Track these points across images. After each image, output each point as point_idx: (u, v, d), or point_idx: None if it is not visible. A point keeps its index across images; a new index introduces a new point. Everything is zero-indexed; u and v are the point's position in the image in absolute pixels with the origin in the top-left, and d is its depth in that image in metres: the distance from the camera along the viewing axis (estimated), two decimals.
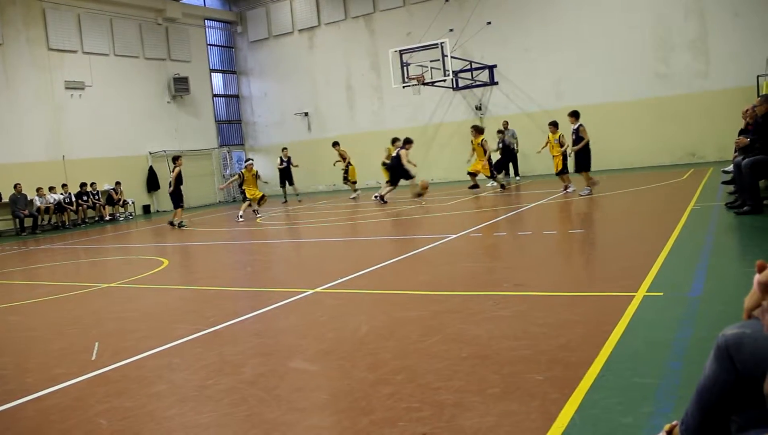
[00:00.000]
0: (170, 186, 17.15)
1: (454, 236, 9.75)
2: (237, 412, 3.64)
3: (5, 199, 21.00)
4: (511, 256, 8.36)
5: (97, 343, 5.35)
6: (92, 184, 23.32)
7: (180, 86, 27.76)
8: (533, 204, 13.51)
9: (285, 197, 23.59)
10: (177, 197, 16.71)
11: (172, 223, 16.87)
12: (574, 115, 14.57)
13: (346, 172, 22.34)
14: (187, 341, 5.23)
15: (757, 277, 1.99)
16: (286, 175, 23.07)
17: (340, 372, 4.18)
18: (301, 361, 4.51)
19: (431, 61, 21.37)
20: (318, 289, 6.79)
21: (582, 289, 6.00)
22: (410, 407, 3.43)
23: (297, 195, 23.25)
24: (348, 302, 6.32)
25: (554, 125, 15.94)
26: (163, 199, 25.35)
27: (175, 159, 17.17)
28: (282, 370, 4.32)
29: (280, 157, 23.44)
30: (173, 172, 16.87)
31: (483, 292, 6.14)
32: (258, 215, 17.57)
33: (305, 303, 6.33)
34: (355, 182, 22.40)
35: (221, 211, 23.02)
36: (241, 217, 17.03)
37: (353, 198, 21.08)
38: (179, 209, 16.81)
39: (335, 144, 22.58)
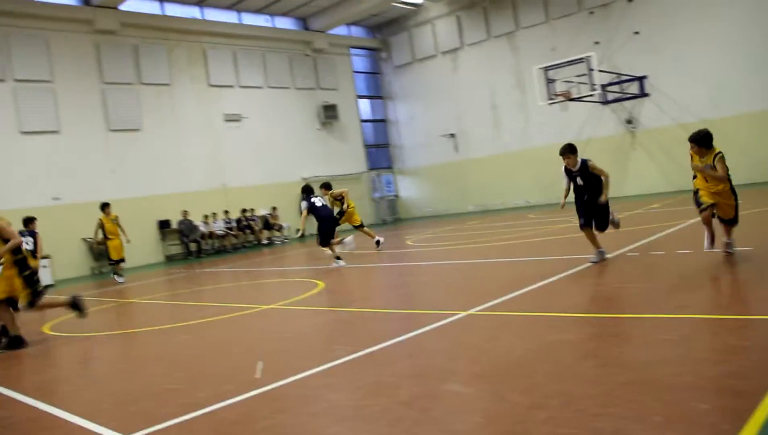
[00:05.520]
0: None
1: (609, 256, 9.42)
2: (393, 432, 3.71)
3: (174, 226, 22.78)
4: (671, 277, 7.95)
5: (260, 362, 5.65)
6: (251, 209, 24.83)
7: (329, 113, 28.89)
8: (690, 221, 12.80)
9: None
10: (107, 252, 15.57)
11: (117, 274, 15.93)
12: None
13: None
14: (344, 362, 5.40)
15: None
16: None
17: (494, 395, 4.17)
18: (455, 383, 4.54)
19: (577, 76, 20.89)
20: (470, 311, 6.79)
21: (751, 311, 5.60)
22: (568, 433, 3.36)
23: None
24: (501, 324, 6.27)
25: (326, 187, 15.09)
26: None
27: (103, 206, 15.89)
28: (436, 392, 4.37)
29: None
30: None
31: (641, 314, 5.89)
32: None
33: (458, 325, 6.36)
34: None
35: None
36: None
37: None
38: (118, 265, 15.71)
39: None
